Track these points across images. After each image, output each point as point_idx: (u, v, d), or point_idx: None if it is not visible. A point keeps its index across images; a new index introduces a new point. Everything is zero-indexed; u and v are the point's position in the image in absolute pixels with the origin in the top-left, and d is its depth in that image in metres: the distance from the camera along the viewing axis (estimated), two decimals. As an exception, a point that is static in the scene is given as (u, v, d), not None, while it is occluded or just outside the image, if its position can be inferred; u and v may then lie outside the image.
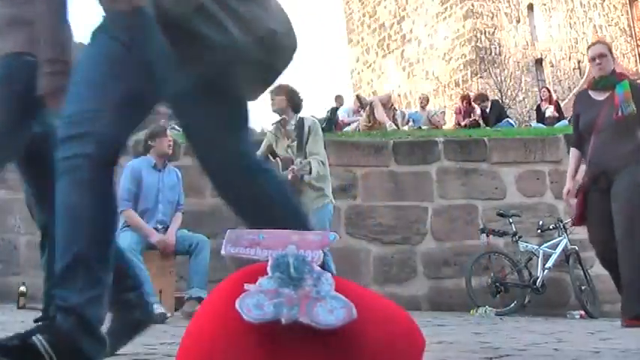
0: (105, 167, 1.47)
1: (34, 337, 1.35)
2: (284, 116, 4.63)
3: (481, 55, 26.38)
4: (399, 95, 28.57)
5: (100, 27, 1.60)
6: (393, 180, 6.75)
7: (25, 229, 5.89)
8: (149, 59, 1.50)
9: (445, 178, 6.80)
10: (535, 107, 13.70)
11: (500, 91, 23.39)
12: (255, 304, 1.04)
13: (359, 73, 32.67)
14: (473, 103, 11.17)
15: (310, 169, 4.34)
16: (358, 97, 11.06)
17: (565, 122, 9.46)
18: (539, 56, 27.34)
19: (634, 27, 30.42)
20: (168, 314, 4.17)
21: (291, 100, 4.64)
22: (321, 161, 4.43)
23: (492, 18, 27.24)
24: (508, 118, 10.86)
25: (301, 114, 4.75)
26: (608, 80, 4.19)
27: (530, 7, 28.66)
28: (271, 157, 4.68)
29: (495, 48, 26.72)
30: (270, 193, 1.61)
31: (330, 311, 1.04)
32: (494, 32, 26.97)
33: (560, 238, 6.33)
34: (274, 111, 4.69)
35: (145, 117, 1.65)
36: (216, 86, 1.48)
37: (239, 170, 1.58)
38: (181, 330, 1.27)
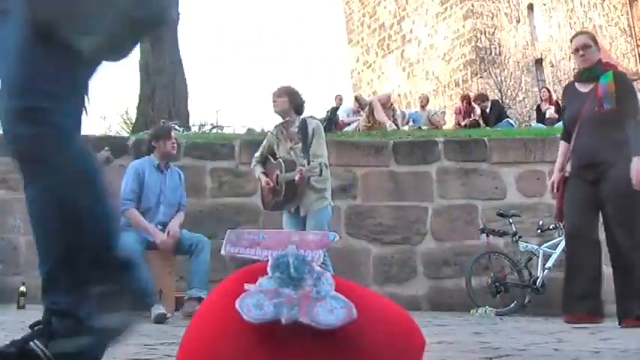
0: None
1: (31, 343, 1.35)
2: (288, 118, 4.62)
3: (481, 55, 26.38)
4: (399, 95, 28.58)
5: None
6: (393, 180, 6.75)
7: (25, 229, 5.89)
8: None
9: (445, 178, 6.80)
10: (535, 107, 13.70)
11: (500, 91, 23.38)
12: (255, 304, 1.04)
13: (359, 73, 32.68)
14: (473, 103, 11.18)
15: (321, 170, 4.32)
16: (357, 98, 11.07)
17: (565, 122, 9.45)
18: (539, 56, 27.32)
19: (634, 27, 30.41)
20: (168, 314, 4.16)
21: (293, 102, 4.62)
22: (324, 164, 4.43)
23: (492, 18, 27.24)
24: (508, 118, 10.87)
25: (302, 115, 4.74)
26: (592, 71, 4.06)
27: (530, 7, 28.66)
28: (271, 159, 4.68)
29: (495, 48, 26.72)
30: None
31: (330, 311, 1.04)
32: (494, 32, 26.97)
33: (560, 238, 6.32)
34: (276, 112, 4.67)
35: None
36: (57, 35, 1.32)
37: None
38: (181, 330, 1.27)
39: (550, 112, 10.77)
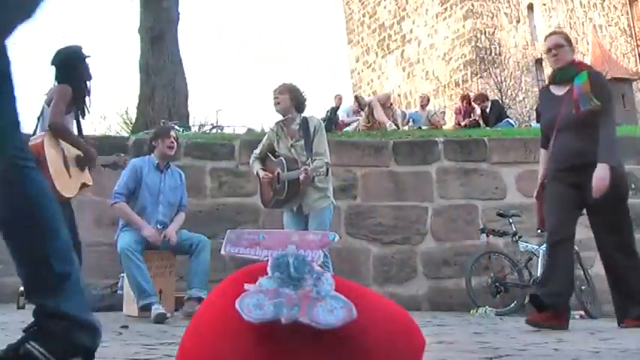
0: None
1: (26, 344, 1.35)
2: (289, 115, 4.59)
3: (481, 55, 26.41)
4: (399, 95, 28.60)
5: None
6: (393, 180, 6.75)
7: (25, 229, 5.89)
8: None
9: (445, 178, 6.80)
10: (535, 107, 13.70)
11: (500, 91, 23.41)
12: (255, 304, 1.04)
13: (359, 73, 32.70)
14: (473, 103, 11.18)
15: (327, 170, 4.28)
16: (357, 98, 11.06)
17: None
18: (539, 56, 27.33)
19: (634, 27, 30.43)
20: (168, 314, 4.16)
21: (295, 99, 4.59)
22: (326, 162, 4.40)
23: (492, 18, 27.27)
24: (508, 118, 10.86)
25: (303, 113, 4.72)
26: (566, 72, 3.87)
27: (530, 7, 28.69)
28: (271, 156, 4.66)
29: (495, 48, 26.75)
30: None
31: (330, 311, 1.04)
32: (494, 32, 27.00)
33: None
34: (278, 110, 4.64)
35: None
36: None
37: None
38: (181, 330, 1.27)
39: (550, 112, 10.75)
